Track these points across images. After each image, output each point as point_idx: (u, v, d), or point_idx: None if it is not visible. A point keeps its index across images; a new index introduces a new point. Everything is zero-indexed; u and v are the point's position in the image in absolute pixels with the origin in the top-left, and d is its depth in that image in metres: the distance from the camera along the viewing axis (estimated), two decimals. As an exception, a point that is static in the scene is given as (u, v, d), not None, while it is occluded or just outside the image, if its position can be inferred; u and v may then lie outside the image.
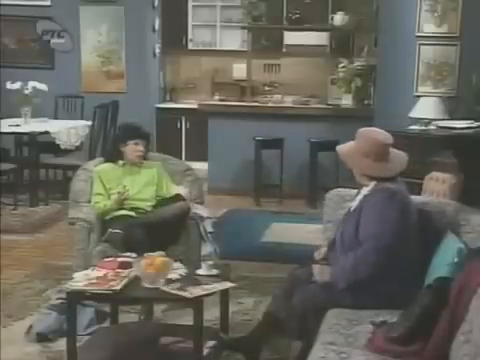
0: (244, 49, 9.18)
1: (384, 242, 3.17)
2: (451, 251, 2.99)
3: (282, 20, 9.00)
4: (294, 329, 3.32)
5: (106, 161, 4.77)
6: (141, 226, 4.25)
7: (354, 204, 3.44)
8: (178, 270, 3.51)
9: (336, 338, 2.90)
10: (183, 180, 4.75)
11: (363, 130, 3.44)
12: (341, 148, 3.49)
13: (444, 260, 2.98)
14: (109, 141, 4.97)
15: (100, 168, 4.69)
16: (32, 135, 7.18)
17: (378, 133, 3.40)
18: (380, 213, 3.22)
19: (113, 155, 4.73)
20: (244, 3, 8.48)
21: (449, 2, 6.81)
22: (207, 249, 4.35)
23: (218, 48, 10.26)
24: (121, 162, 4.67)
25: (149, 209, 4.54)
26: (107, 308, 3.98)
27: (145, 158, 4.73)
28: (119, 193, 4.46)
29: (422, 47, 6.92)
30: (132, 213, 4.47)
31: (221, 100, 9.29)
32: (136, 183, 4.61)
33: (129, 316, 4.12)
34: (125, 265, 3.54)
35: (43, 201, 7.27)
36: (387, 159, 3.36)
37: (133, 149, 4.64)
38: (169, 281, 3.37)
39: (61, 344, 3.65)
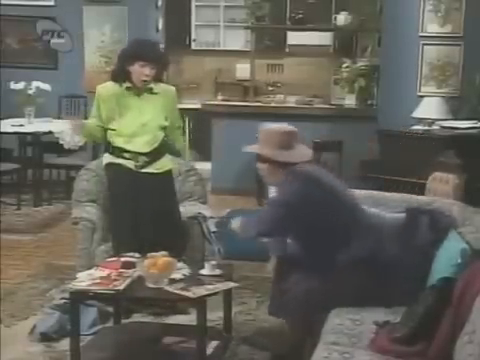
0: (247, 49, 9.16)
1: (273, 203, 3.47)
2: (455, 251, 2.99)
3: (285, 20, 9.01)
4: (296, 328, 3.33)
5: (111, 80, 4.14)
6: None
7: None
8: (181, 270, 3.51)
9: (339, 338, 2.90)
10: (186, 180, 4.74)
11: (262, 128, 3.67)
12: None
13: (448, 260, 2.98)
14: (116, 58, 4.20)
15: (101, 86, 4.17)
16: (36, 135, 7.17)
17: (277, 125, 3.67)
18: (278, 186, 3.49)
19: (118, 75, 4.09)
20: (247, 3, 8.48)
21: (452, 2, 6.80)
22: (210, 249, 4.35)
23: (221, 48, 10.28)
24: (124, 85, 4.07)
25: (153, 145, 4.12)
26: (110, 308, 3.99)
27: (160, 80, 4.11)
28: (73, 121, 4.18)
29: (425, 47, 6.91)
30: (128, 164, 4.13)
31: (224, 100, 9.29)
32: (143, 111, 4.08)
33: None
34: (128, 265, 3.54)
35: (46, 201, 7.28)
36: (292, 147, 3.58)
37: (139, 72, 3.98)
38: (172, 281, 3.37)
39: (64, 344, 3.66)
